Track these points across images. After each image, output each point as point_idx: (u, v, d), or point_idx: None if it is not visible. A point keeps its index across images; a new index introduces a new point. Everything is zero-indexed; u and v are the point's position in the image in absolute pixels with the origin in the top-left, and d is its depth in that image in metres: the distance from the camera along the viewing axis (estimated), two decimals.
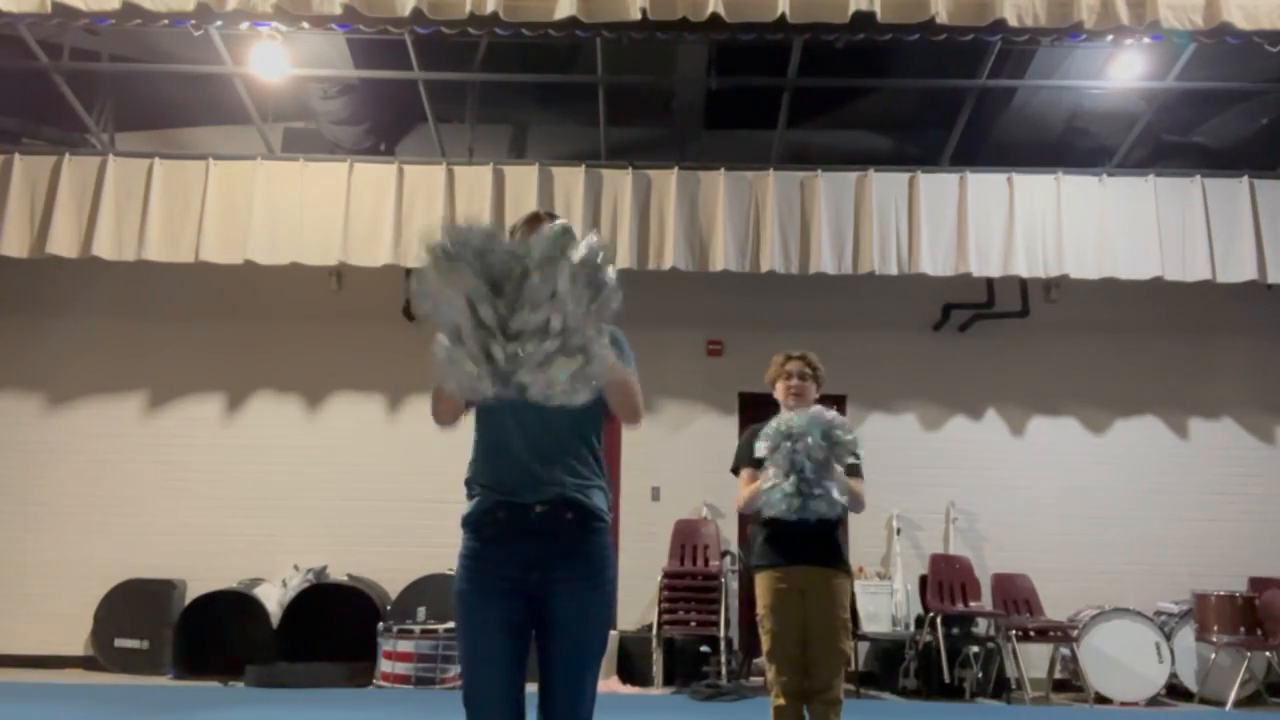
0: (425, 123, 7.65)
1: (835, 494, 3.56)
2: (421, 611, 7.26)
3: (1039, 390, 8.25)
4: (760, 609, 3.76)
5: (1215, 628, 6.95)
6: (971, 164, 7.47)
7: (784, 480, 3.56)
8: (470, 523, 2.41)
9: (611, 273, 2.07)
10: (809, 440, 3.54)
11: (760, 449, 3.63)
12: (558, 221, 2.25)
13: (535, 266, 2.01)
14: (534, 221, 2.58)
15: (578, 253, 2.03)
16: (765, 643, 3.74)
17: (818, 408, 3.71)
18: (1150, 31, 5.85)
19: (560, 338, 2.00)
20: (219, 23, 6.13)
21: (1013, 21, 5.79)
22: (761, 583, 3.75)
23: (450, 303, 2.03)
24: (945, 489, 8.03)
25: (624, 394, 2.34)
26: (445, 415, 2.36)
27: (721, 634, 7.15)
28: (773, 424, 3.66)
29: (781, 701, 3.64)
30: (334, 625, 7.24)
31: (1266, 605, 7.09)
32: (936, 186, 7.25)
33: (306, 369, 8.23)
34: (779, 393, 3.94)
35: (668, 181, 7.22)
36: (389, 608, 7.40)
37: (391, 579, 7.61)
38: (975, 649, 7.04)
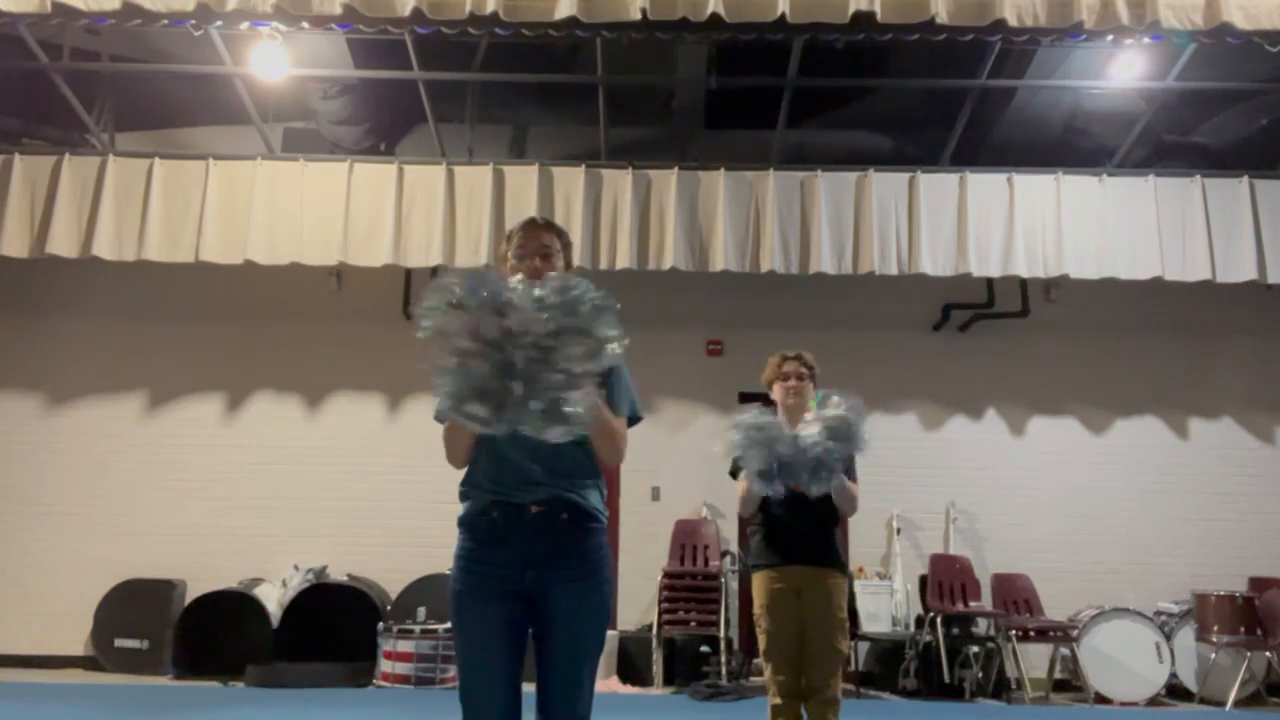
0: (425, 123, 7.65)
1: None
2: (421, 611, 7.27)
3: (1039, 390, 8.25)
4: (757, 609, 3.77)
5: (1215, 628, 6.94)
6: (971, 164, 7.47)
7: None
8: (466, 523, 2.41)
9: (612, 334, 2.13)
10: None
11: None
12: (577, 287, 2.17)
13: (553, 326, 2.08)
14: (531, 228, 2.57)
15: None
16: (762, 642, 3.74)
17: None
18: (1150, 31, 5.85)
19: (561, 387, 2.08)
20: (219, 23, 6.12)
21: (1013, 21, 5.78)
22: (758, 582, 3.76)
23: (462, 343, 2.07)
24: (945, 489, 8.02)
25: (608, 439, 2.39)
26: (458, 457, 2.40)
27: (721, 634, 7.15)
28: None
29: (778, 701, 3.64)
30: (334, 625, 7.23)
31: (1266, 605, 7.09)
32: (936, 186, 7.25)
33: (306, 369, 8.23)
34: (776, 394, 3.94)
35: (668, 181, 7.22)
36: (389, 608, 7.40)
37: (391, 579, 7.61)
38: (975, 649, 7.03)
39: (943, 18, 5.75)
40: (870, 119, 8.21)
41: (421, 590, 7.41)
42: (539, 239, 2.52)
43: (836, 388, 3.66)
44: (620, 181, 7.23)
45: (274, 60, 6.91)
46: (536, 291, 2.09)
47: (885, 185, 7.23)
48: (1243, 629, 6.91)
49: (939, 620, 7.13)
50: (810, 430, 3.50)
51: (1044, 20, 5.81)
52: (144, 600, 7.55)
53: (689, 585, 7.37)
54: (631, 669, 7.27)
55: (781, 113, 7.38)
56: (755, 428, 3.51)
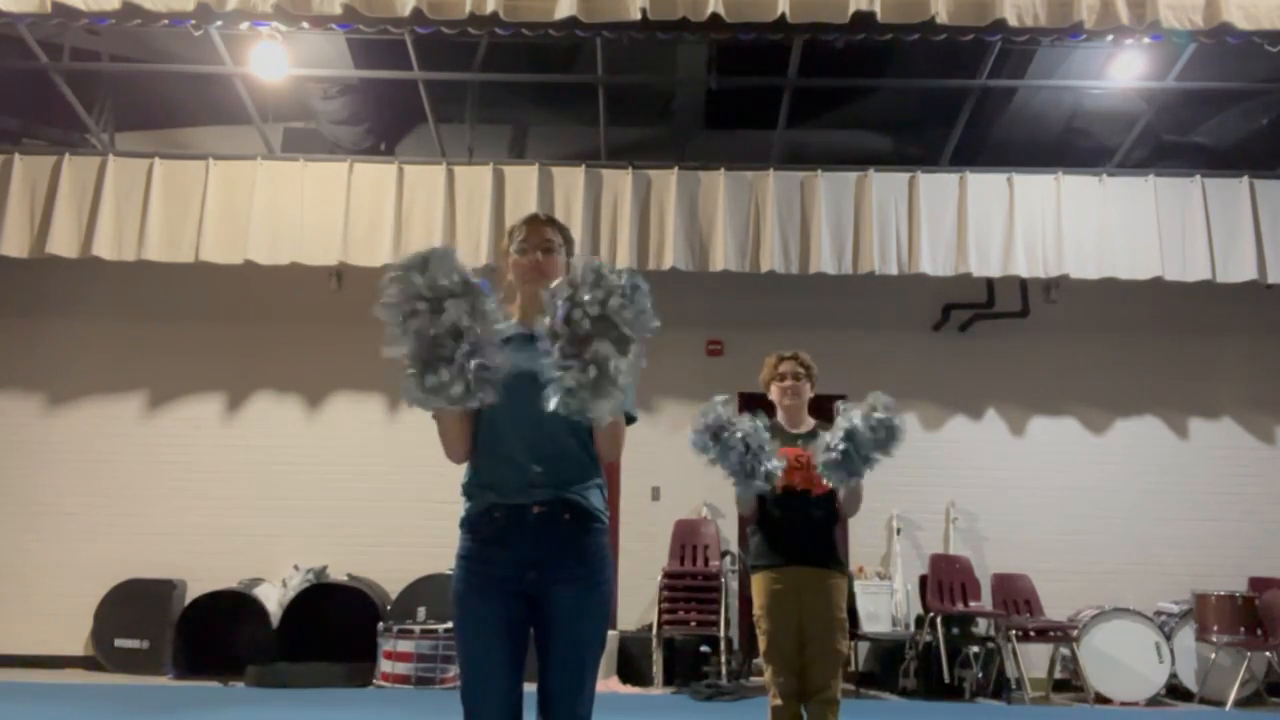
0: (425, 123, 7.65)
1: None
2: (421, 611, 7.27)
3: (1039, 390, 8.25)
4: (757, 609, 3.76)
5: (1215, 628, 6.95)
6: (971, 164, 7.47)
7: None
8: (468, 523, 2.40)
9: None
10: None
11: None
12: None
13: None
14: (533, 223, 2.57)
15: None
16: (762, 643, 3.74)
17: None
18: (1150, 31, 5.85)
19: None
20: (219, 23, 6.13)
21: (1013, 21, 5.79)
22: (758, 583, 3.76)
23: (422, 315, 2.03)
24: (945, 489, 8.02)
25: (616, 431, 2.36)
26: (453, 448, 2.37)
27: (721, 634, 7.15)
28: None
29: (779, 702, 3.64)
30: (334, 625, 7.24)
31: (1266, 605, 7.09)
32: (936, 186, 7.25)
33: (306, 369, 8.23)
34: (774, 394, 3.94)
35: (668, 181, 7.22)
36: (389, 608, 7.40)
37: (391, 579, 7.61)
38: (975, 649, 7.04)
39: (943, 18, 5.76)
40: (870, 119, 8.21)
41: (421, 590, 7.41)
42: (541, 233, 2.53)
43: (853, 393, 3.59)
44: (620, 181, 7.23)
45: (274, 60, 6.91)
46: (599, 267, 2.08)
47: (885, 185, 7.24)
48: (1243, 629, 6.91)
49: (939, 620, 7.13)
50: (852, 421, 3.39)
51: (1044, 20, 5.82)
52: (144, 600, 7.55)
53: (689, 585, 7.37)
54: (632, 669, 7.27)
55: (781, 113, 7.38)
56: (712, 431, 3.38)
